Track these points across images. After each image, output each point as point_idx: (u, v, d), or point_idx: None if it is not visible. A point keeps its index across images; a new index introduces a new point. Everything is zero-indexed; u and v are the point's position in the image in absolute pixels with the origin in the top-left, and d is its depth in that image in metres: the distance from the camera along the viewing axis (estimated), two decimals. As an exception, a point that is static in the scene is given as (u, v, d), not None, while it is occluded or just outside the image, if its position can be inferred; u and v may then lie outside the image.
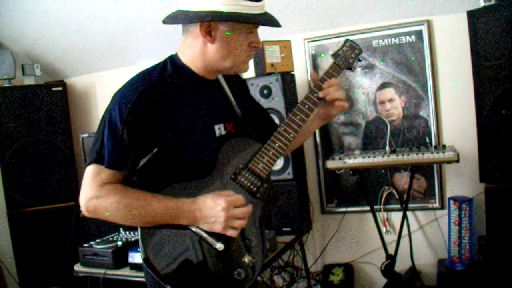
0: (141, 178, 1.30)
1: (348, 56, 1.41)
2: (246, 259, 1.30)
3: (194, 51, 1.31)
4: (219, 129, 1.36)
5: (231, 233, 1.26)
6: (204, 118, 1.34)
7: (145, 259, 1.23)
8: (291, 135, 1.36)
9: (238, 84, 1.54)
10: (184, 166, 1.29)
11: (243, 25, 1.26)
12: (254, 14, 1.24)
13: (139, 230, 1.26)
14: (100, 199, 1.21)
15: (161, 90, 1.25)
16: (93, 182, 1.22)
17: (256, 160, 1.34)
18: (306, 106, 1.37)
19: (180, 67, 1.33)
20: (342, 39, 1.47)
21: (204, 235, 1.26)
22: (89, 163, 1.24)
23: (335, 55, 1.42)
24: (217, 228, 1.25)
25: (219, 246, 1.26)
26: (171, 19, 1.29)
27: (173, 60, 1.34)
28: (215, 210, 1.23)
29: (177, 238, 1.25)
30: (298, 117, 1.37)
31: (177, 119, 1.27)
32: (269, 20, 1.27)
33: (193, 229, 1.26)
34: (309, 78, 1.46)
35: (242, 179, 1.34)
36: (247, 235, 1.32)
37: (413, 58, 2.83)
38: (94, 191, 1.21)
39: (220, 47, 1.27)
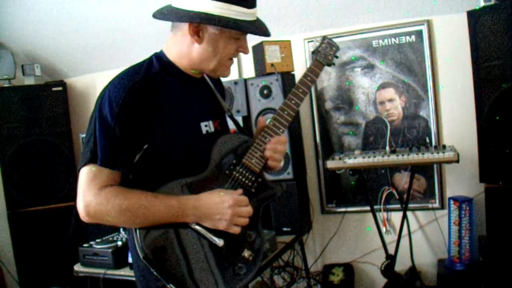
0: (136, 176, 1.29)
1: (328, 53, 1.46)
2: (246, 253, 1.32)
3: (181, 49, 1.31)
4: (207, 127, 1.37)
5: (234, 230, 1.27)
6: (191, 115, 1.34)
7: (145, 257, 1.21)
8: (281, 130, 1.40)
9: (219, 84, 1.56)
10: (174, 163, 1.28)
11: (231, 30, 1.26)
12: (244, 21, 1.24)
13: (134, 229, 1.24)
14: (101, 203, 1.17)
15: (149, 85, 1.25)
16: (91, 185, 1.18)
17: (249, 155, 1.37)
18: (300, 90, 1.42)
19: (167, 64, 1.33)
20: (320, 37, 1.51)
21: (204, 232, 1.26)
22: (84, 165, 1.20)
23: (315, 52, 1.46)
24: (222, 225, 1.25)
25: (220, 242, 1.26)
26: (161, 15, 1.28)
27: (159, 57, 1.34)
28: (221, 207, 1.24)
29: (176, 236, 1.25)
30: (285, 112, 1.40)
31: (165, 115, 1.26)
32: (258, 29, 1.28)
33: (193, 226, 1.26)
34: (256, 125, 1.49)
35: (237, 175, 1.35)
36: (246, 229, 1.32)
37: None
38: (94, 195, 1.17)
39: (206, 48, 1.28)
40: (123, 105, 1.19)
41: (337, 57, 1.48)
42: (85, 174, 1.20)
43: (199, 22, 1.23)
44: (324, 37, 1.48)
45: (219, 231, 1.26)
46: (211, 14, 1.21)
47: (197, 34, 1.26)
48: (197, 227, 1.26)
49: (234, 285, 1.29)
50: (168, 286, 1.23)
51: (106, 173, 1.20)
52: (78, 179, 1.22)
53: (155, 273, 1.22)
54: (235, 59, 1.37)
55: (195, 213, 1.24)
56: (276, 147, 1.38)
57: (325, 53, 1.45)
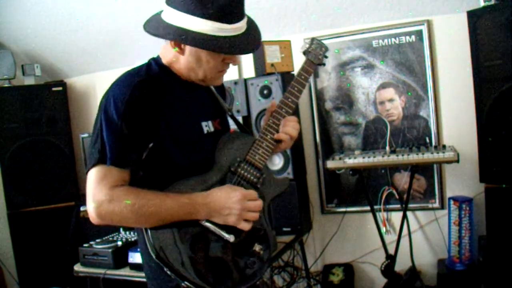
0: (144, 175, 1.29)
1: (318, 53, 1.50)
2: (257, 248, 1.34)
3: (171, 57, 1.32)
4: (207, 126, 1.38)
5: (243, 226, 1.28)
6: (191, 115, 1.35)
7: (158, 257, 1.22)
8: (279, 127, 1.42)
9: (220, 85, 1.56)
10: (178, 162, 1.29)
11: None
12: (223, 37, 1.21)
13: (145, 229, 1.25)
14: (112, 203, 1.16)
15: (152, 84, 1.26)
16: (101, 185, 1.17)
17: (252, 152, 1.39)
18: (296, 88, 1.45)
19: (164, 67, 1.34)
20: (309, 39, 1.54)
21: (215, 228, 1.27)
22: (92, 166, 1.20)
23: (306, 53, 1.49)
24: (231, 220, 1.26)
25: (231, 238, 1.27)
26: (147, 25, 1.29)
27: (157, 61, 1.35)
28: (229, 202, 1.25)
29: (187, 234, 1.25)
30: (283, 110, 1.43)
31: (168, 114, 1.27)
32: (235, 46, 1.23)
33: (203, 223, 1.27)
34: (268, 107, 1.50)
35: (242, 171, 1.37)
36: (256, 224, 1.34)
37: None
38: (105, 195, 1.16)
39: (189, 60, 1.28)
40: (129, 103, 1.20)
41: (326, 57, 1.52)
42: (94, 175, 1.19)
43: (172, 39, 1.23)
44: (313, 39, 1.51)
45: (230, 227, 1.28)
46: (188, 31, 1.20)
47: (178, 46, 1.26)
48: (208, 224, 1.27)
49: (248, 279, 1.32)
50: (182, 284, 1.23)
51: (116, 172, 1.20)
52: (86, 181, 1.21)
53: (168, 272, 1.23)
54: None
55: (205, 209, 1.25)
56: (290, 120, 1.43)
57: (315, 53, 1.49)
